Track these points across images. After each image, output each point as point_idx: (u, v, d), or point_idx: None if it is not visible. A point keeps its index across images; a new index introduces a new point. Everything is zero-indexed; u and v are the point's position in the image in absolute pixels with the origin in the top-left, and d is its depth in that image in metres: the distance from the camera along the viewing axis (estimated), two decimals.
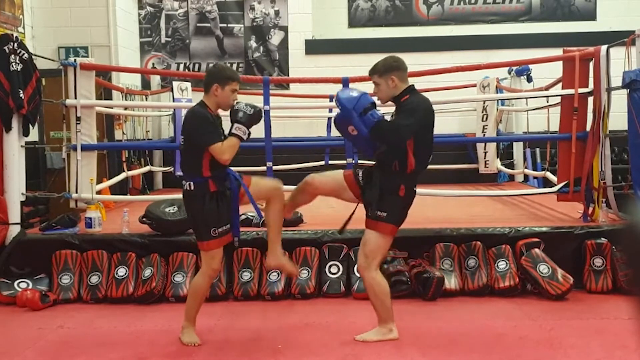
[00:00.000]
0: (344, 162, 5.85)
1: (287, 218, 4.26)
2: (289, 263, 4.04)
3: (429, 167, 3.84)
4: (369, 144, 3.71)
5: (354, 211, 3.89)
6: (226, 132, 3.71)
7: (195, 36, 9.71)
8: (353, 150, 5.84)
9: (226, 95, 3.69)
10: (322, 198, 7.23)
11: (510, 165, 8.73)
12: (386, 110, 4.38)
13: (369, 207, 3.72)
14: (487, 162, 8.52)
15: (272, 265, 3.97)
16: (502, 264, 4.74)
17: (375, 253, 3.69)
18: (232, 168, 3.78)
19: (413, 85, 3.79)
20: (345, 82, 5.64)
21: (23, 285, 4.82)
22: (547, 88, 6.74)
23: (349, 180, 3.83)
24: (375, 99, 3.84)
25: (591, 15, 9.97)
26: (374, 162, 3.85)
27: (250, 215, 5.20)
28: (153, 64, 9.68)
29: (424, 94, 3.87)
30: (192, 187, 3.65)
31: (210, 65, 9.63)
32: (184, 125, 3.74)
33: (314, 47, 9.55)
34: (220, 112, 3.81)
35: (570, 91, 5.41)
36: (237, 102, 3.74)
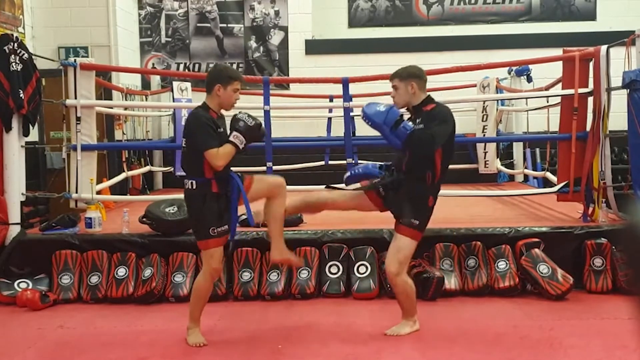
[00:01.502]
0: (344, 162, 5.85)
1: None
2: (293, 256, 4.10)
3: None
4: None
5: None
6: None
7: (195, 36, 9.71)
8: (353, 150, 5.84)
9: (229, 95, 3.69)
10: None
11: (510, 165, 8.73)
12: None
13: (402, 215, 3.78)
14: (487, 162, 8.52)
15: (277, 259, 3.98)
16: (502, 264, 4.74)
17: (408, 259, 3.84)
18: (233, 168, 3.78)
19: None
20: (345, 82, 5.64)
21: (23, 285, 4.82)
22: (547, 88, 6.74)
23: (372, 197, 3.92)
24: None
25: (591, 15, 9.96)
26: (393, 167, 3.88)
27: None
28: (153, 64, 9.68)
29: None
30: (194, 186, 3.65)
31: (211, 65, 9.65)
32: (185, 127, 3.76)
33: (314, 47, 9.55)
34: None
35: (570, 91, 5.41)
36: (240, 112, 3.74)
